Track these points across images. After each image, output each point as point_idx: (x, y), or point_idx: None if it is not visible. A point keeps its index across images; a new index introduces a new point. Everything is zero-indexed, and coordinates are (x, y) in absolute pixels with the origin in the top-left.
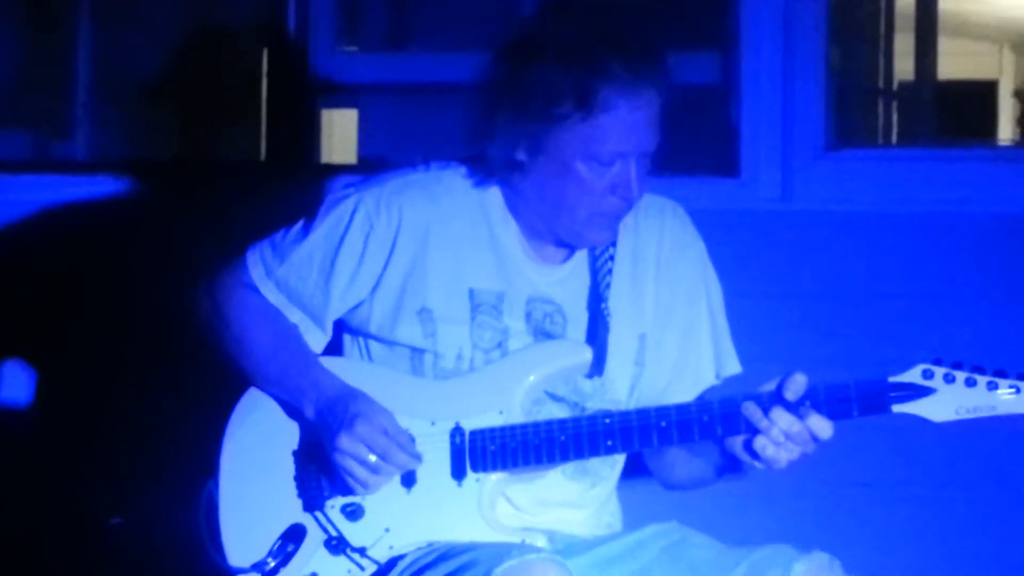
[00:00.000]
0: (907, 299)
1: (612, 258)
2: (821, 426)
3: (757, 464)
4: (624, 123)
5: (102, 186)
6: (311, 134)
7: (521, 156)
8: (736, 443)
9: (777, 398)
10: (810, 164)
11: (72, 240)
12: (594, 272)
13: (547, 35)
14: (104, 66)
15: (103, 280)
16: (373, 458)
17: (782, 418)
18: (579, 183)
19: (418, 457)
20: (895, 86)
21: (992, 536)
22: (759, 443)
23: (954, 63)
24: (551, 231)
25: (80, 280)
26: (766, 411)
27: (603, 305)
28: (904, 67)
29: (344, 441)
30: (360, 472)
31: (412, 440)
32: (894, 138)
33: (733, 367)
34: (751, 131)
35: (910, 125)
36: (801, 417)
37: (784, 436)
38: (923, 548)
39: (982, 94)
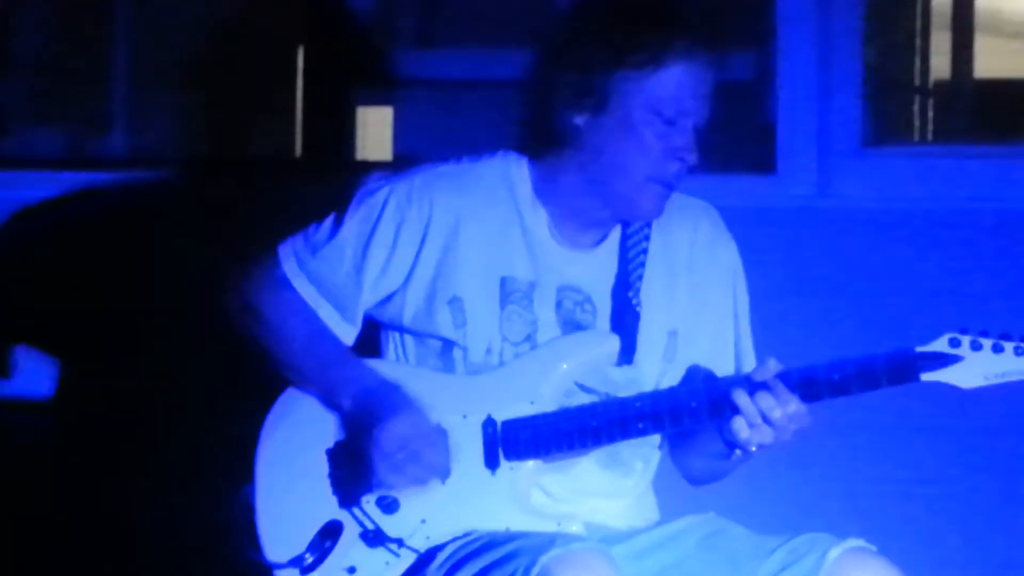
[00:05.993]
0: (943, 296)
1: (645, 251)
2: (799, 411)
3: (737, 452)
4: (692, 80)
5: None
6: (346, 131)
7: (580, 120)
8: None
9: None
10: (846, 161)
11: (107, 236)
12: (624, 260)
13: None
14: (141, 62)
15: (138, 277)
16: (402, 456)
17: (764, 400)
18: (639, 142)
19: (446, 459)
20: (931, 84)
21: None
22: (736, 424)
23: (991, 61)
24: (603, 202)
25: (115, 277)
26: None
27: (630, 294)
28: (940, 65)
29: (380, 435)
30: (386, 471)
31: (444, 436)
32: (930, 136)
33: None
34: (787, 128)
35: (946, 123)
36: (780, 401)
37: (762, 418)
38: (962, 543)
39: (1019, 92)
